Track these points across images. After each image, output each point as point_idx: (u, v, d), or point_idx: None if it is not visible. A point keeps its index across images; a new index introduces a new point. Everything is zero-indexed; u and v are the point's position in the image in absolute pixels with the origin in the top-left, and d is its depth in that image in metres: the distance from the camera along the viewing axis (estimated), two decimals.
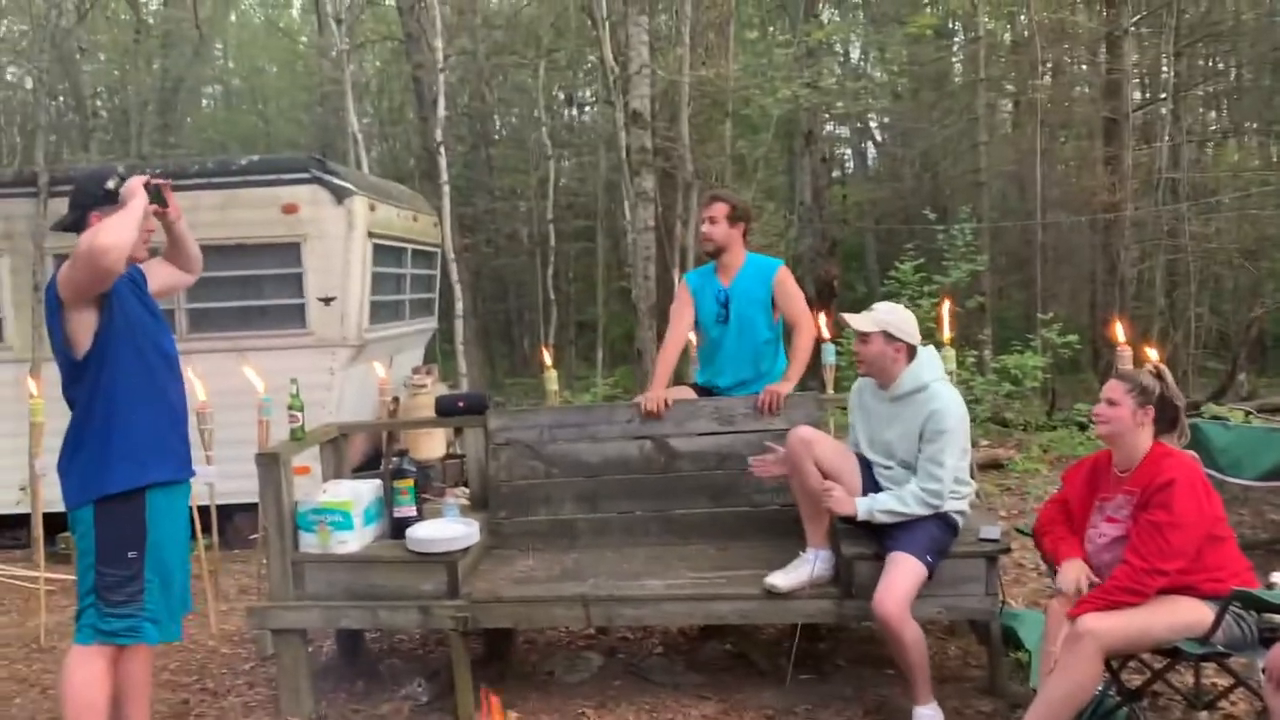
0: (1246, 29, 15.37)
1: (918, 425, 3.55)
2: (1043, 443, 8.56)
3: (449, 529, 3.91)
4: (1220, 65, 16.46)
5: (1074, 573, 3.11)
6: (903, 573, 3.40)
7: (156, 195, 3.21)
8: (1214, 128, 17.45)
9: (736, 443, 4.29)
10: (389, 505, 4.09)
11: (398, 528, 4.00)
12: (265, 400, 4.75)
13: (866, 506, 3.55)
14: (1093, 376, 12.18)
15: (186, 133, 18.65)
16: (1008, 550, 3.77)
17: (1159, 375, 3.14)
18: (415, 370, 8.17)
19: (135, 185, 3.13)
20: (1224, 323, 14.17)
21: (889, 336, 3.61)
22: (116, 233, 2.96)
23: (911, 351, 3.65)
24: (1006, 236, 14.20)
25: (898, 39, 13.73)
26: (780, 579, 3.63)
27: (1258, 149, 17.17)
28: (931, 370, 3.63)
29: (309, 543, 3.91)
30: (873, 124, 19.98)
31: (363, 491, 4.03)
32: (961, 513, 3.60)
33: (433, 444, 7.53)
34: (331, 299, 6.84)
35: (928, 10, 15.05)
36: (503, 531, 4.38)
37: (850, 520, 3.72)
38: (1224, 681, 3.46)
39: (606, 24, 10.67)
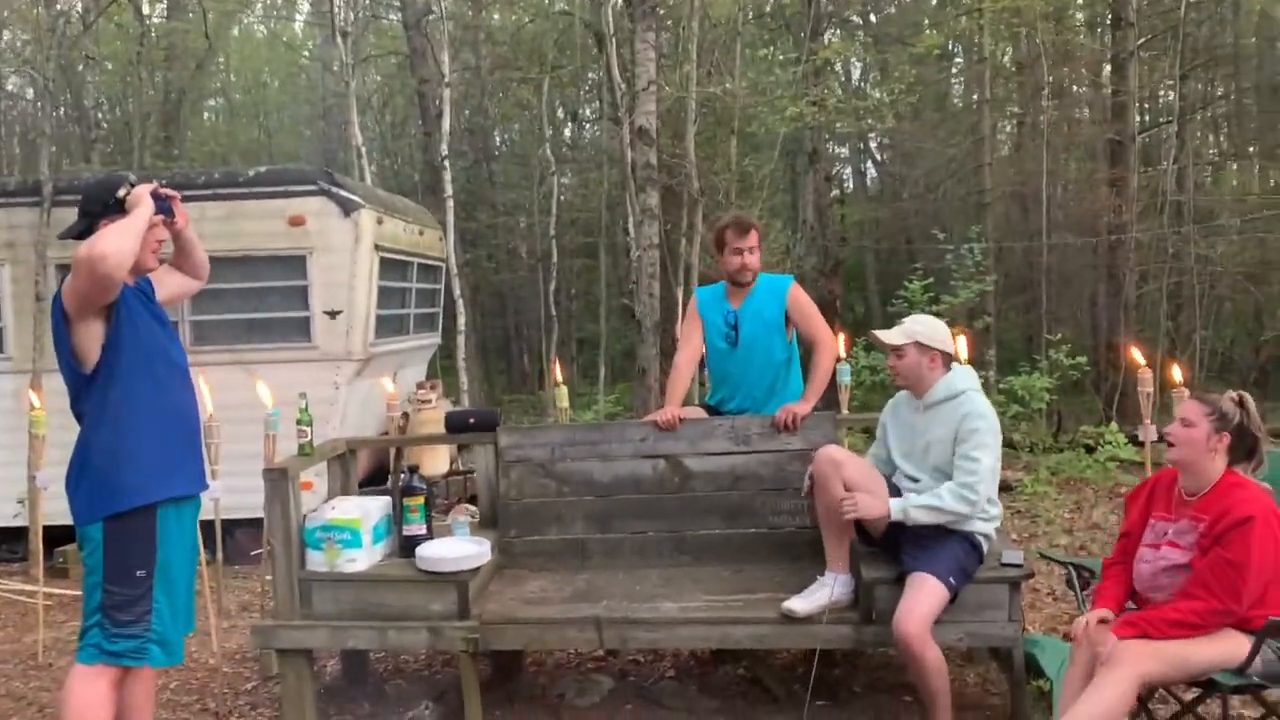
0: (1248, 54, 15.43)
1: (953, 429, 3.51)
2: (1050, 465, 8.51)
3: (460, 548, 3.81)
4: (1221, 90, 16.50)
5: (1088, 617, 3.04)
6: (925, 593, 3.33)
7: (165, 206, 3.15)
8: (1213, 151, 17.50)
9: (751, 462, 4.22)
10: (398, 523, 4.00)
11: (407, 546, 3.89)
12: (272, 415, 4.66)
13: (900, 505, 3.46)
14: (1095, 399, 12.13)
15: (188, 145, 18.61)
16: (1031, 575, 3.70)
17: (1241, 403, 3.04)
18: (419, 385, 8.10)
19: (141, 194, 3.07)
20: (1228, 346, 14.15)
21: (922, 346, 3.60)
22: (116, 240, 2.89)
23: (947, 360, 3.64)
24: (1009, 258, 14.18)
25: (903, 60, 13.72)
26: (798, 604, 3.54)
27: (1259, 174, 17.22)
28: (966, 380, 3.62)
29: (316, 560, 3.82)
30: (873, 144, 19.99)
31: (372, 509, 3.94)
32: (988, 536, 3.54)
33: (436, 460, 7.44)
34: (337, 312, 6.78)
35: (929, 31, 15.05)
36: (513, 551, 4.29)
37: (870, 541, 3.66)
38: (1251, 713, 3.39)
39: (614, 40, 10.65)
